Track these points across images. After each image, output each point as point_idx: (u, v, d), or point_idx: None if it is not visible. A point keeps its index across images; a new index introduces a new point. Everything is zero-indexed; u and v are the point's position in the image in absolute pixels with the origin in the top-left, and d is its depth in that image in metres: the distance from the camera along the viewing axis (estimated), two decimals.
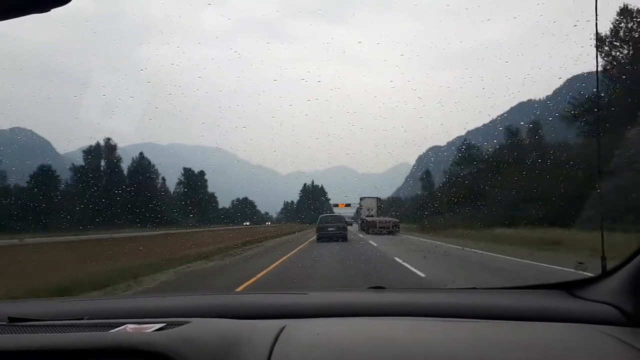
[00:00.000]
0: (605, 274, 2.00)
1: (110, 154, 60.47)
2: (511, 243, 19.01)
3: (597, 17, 2.33)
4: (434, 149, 68.82)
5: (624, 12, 32.04)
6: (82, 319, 1.73)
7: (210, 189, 74.27)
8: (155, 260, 14.39)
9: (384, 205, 46.35)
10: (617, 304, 1.73)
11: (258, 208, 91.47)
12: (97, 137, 56.92)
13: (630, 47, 28.30)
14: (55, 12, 1.08)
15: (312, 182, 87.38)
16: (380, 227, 33.08)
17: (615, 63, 28.24)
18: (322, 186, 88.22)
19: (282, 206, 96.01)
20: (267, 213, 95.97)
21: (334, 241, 25.18)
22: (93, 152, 58.97)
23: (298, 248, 22.49)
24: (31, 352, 1.32)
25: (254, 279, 11.21)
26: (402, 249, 21.03)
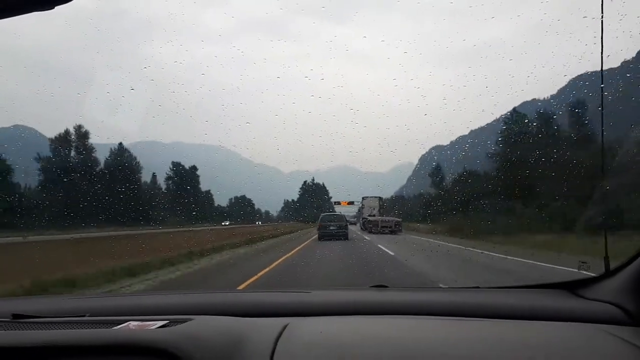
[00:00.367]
0: (608, 273, 1.99)
1: (82, 143, 53.18)
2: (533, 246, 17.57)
3: (603, 13, 2.31)
4: (437, 148, 68.54)
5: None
6: (84, 316, 1.74)
7: (209, 187, 70.93)
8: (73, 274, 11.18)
9: (387, 205, 46.17)
10: (620, 304, 1.72)
11: (259, 206, 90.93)
12: (100, 135, 54.91)
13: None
14: (58, 9, 1.08)
15: (313, 179, 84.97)
16: (382, 227, 32.97)
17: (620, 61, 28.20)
18: (323, 184, 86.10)
19: (284, 205, 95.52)
20: (268, 212, 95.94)
21: (336, 239, 25.20)
22: (62, 140, 52.08)
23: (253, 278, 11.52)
24: (35, 349, 1.32)
25: None
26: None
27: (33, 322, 1.58)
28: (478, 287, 2.45)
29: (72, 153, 53.81)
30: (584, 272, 2.56)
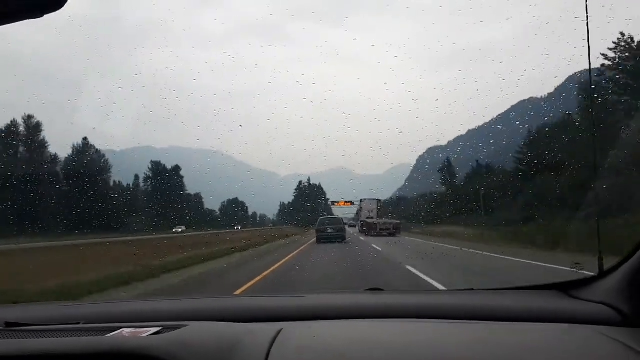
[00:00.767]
0: (602, 274, 1.99)
1: (31, 138, 45.59)
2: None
3: (588, 15, 2.35)
4: (435, 149, 68.29)
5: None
6: (78, 323, 1.73)
7: (203, 191, 67.53)
8: None
9: (385, 207, 45.97)
10: (613, 304, 1.72)
11: (255, 210, 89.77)
12: (93, 142, 50.86)
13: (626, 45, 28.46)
14: (48, 17, 1.08)
15: (309, 180, 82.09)
16: (380, 229, 32.80)
17: (609, 62, 28.36)
18: (319, 184, 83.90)
19: (280, 208, 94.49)
20: (264, 215, 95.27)
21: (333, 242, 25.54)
22: (4, 133, 44.26)
23: None
24: (28, 357, 1.31)
25: None
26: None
27: (26, 331, 1.56)
28: (472, 289, 2.45)
29: (20, 149, 46.16)
30: (584, 272, 2.56)
